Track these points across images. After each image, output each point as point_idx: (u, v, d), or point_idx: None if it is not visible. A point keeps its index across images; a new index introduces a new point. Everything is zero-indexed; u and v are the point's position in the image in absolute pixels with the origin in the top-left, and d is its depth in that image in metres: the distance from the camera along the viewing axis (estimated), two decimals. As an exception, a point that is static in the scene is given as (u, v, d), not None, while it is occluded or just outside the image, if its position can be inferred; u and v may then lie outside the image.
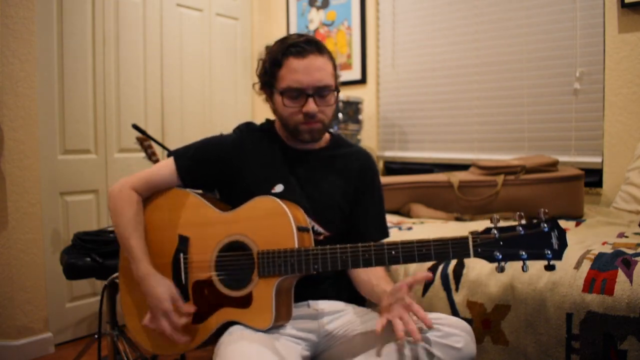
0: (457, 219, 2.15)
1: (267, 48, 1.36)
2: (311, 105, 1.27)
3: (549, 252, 1.02)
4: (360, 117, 2.89)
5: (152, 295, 1.24)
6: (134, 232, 1.30)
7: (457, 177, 2.21)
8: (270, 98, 1.37)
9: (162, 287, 1.24)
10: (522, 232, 1.04)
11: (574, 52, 2.39)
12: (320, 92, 1.28)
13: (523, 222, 1.05)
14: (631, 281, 1.24)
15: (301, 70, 1.26)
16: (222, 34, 3.25)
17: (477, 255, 1.06)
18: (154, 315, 1.24)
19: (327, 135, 1.45)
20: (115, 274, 1.81)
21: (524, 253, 1.04)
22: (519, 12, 2.56)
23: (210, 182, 1.40)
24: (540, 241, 1.03)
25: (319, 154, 1.39)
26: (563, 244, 1.03)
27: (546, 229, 1.03)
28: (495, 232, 1.05)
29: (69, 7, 2.48)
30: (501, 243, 1.05)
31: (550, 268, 1.03)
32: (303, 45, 1.27)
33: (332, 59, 1.33)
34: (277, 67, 1.29)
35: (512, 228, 1.05)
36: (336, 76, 1.35)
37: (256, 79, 1.40)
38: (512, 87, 2.60)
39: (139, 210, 1.34)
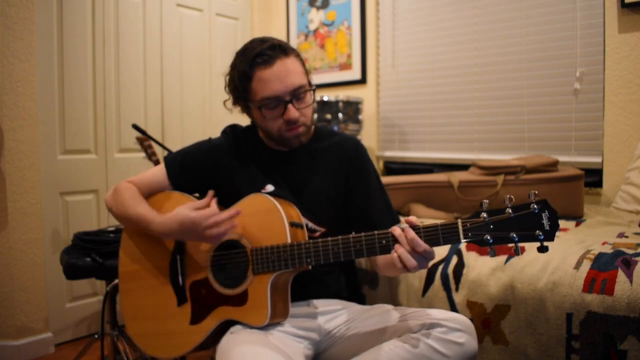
0: (457, 219, 2.15)
1: (232, 63, 1.32)
2: (292, 112, 1.25)
3: (541, 233, 1.00)
4: (360, 117, 2.89)
5: (180, 224, 1.20)
6: (138, 203, 1.30)
7: (457, 177, 2.21)
8: (246, 111, 1.36)
9: (179, 211, 1.21)
10: (512, 215, 1.02)
11: (574, 52, 2.39)
12: (296, 94, 1.26)
13: (512, 204, 1.03)
14: (631, 281, 1.24)
15: (272, 79, 1.23)
16: (222, 34, 3.25)
17: (467, 239, 1.04)
18: (197, 235, 1.20)
19: (311, 129, 1.43)
20: (117, 280, 1.82)
21: (514, 235, 1.01)
22: (519, 12, 2.56)
23: (200, 186, 1.40)
24: (531, 222, 1.01)
25: (303, 150, 1.38)
26: (554, 225, 1.00)
27: (536, 210, 1.01)
28: (485, 215, 1.03)
29: (69, 7, 2.48)
30: (491, 226, 1.03)
31: (543, 249, 1.01)
32: (268, 52, 1.24)
33: (298, 56, 1.30)
34: (247, 81, 1.26)
35: (502, 211, 1.03)
36: (307, 72, 1.32)
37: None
38: (512, 87, 2.60)
39: (140, 194, 1.34)
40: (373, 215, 1.37)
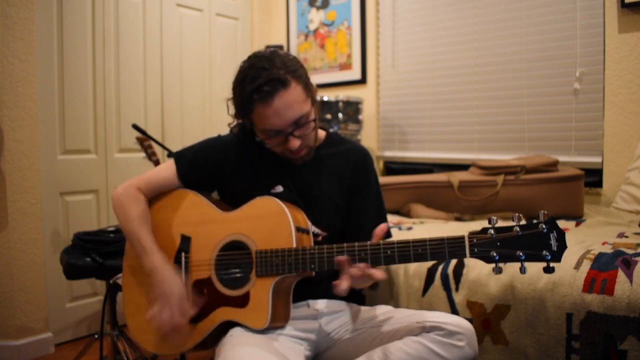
0: (457, 219, 2.15)
1: (232, 87, 1.28)
2: (292, 143, 1.24)
3: (548, 253, 1.00)
4: (360, 117, 2.89)
5: (161, 289, 1.22)
6: (142, 226, 1.30)
7: (457, 177, 2.21)
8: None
9: (172, 283, 1.23)
10: (520, 233, 1.01)
11: (574, 52, 2.39)
12: (298, 124, 1.24)
13: (521, 222, 1.03)
14: (631, 281, 1.24)
15: (272, 115, 1.21)
16: (222, 34, 3.25)
17: (473, 255, 1.04)
18: (159, 309, 1.22)
19: (323, 134, 1.44)
20: (118, 275, 1.81)
21: (521, 254, 1.01)
22: (519, 12, 2.56)
23: (209, 183, 1.40)
24: (538, 242, 1.00)
25: (313, 155, 1.38)
26: (562, 246, 1.00)
27: (545, 230, 1.00)
28: (492, 232, 1.03)
29: (69, 7, 2.48)
30: (498, 243, 1.02)
31: (549, 270, 1.01)
32: (265, 88, 1.19)
33: (299, 77, 1.23)
34: (248, 112, 1.25)
35: (510, 228, 1.02)
36: (310, 92, 1.27)
37: None
38: (512, 87, 2.60)
39: (146, 209, 1.34)
40: (363, 225, 1.36)
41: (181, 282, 1.25)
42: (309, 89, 1.28)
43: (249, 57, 1.27)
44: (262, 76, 1.19)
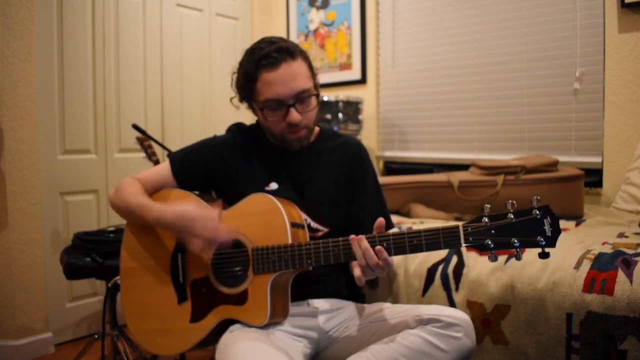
0: (457, 219, 2.15)
1: (240, 61, 1.32)
2: (294, 115, 1.26)
3: (542, 239, 1.00)
4: (360, 117, 2.89)
5: (176, 217, 1.19)
6: (139, 194, 1.29)
7: (457, 177, 2.21)
8: (251, 109, 1.38)
9: (182, 205, 1.21)
10: (514, 220, 1.01)
11: (574, 52, 2.39)
12: (300, 98, 1.27)
13: (514, 209, 1.03)
14: (631, 281, 1.24)
15: (277, 82, 1.24)
16: (222, 34, 3.25)
17: (468, 244, 1.04)
18: (195, 239, 1.18)
19: (316, 129, 1.44)
20: (118, 277, 1.82)
21: (516, 241, 1.01)
22: (519, 12, 2.56)
23: (205, 184, 1.41)
24: (532, 228, 1.01)
25: (308, 150, 1.39)
26: (556, 231, 1.00)
27: (538, 216, 1.00)
28: (487, 220, 1.03)
29: (69, 7, 2.48)
30: (493, 231, 1.03)
31: (544, 256, 1.01)
32: (274, 54, 1.24)
33: (306, 58, 1.31)
34: (252, 81, 1.27)
35: (504, 216, 1.03)
36: (313, 75, 1.32)
37: None
38: (512, 87, 2.60)
39: (143, 190, 1.34)
40: (364, 219, 1.37)
41: (191, 200, 1.23)
42: (313, 74, 1.32)
43: (261, 38, 1.32)
44: (272, 46, 1.25)
